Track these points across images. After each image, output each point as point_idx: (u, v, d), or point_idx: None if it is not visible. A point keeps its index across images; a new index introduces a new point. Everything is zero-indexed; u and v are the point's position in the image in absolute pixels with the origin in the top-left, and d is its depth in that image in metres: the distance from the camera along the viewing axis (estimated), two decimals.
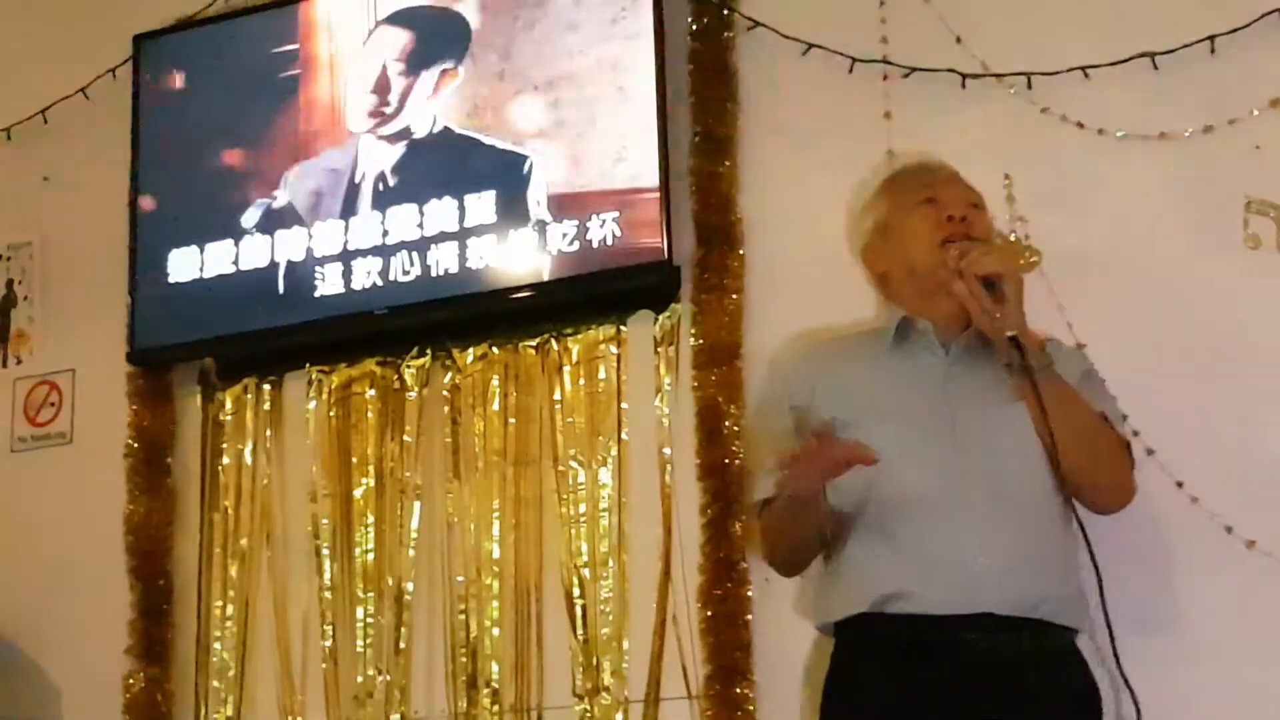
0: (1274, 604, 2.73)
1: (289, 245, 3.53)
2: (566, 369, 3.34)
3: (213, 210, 3.63)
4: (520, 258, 3.32)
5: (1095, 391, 2.48)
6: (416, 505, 3.41)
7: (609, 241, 3.24)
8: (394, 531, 3.42)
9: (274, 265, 3.54)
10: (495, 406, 3.38)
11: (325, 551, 3.46)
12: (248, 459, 3.60)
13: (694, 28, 3.31)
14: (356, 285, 3.45)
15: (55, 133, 3.92)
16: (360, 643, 3.39)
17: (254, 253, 3.56)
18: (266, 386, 3.62)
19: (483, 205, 3.36)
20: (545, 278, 3.30)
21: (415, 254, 3.40)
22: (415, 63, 3.51)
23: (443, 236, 3.38)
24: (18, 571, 3.70)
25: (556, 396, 3.33)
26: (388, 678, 3.35)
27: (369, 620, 3.40)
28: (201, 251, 3.62)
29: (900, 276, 2.54)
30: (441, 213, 3.39)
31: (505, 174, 3.35)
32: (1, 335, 3.93)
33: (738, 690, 3.01)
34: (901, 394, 2.42)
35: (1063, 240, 2.97)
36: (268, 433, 3.60)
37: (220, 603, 3.53)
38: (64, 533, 3.71)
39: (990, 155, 3.05)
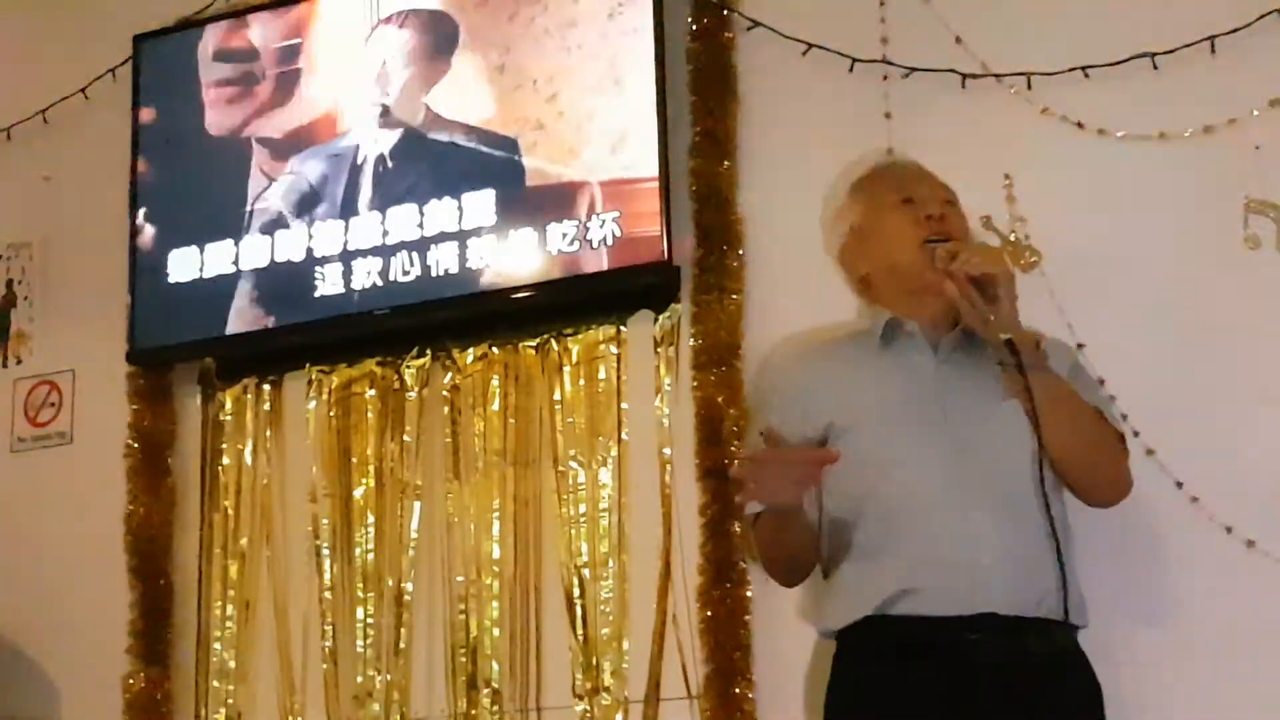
0: (1274, 604, 2.73)
1: (289, 245, 3.53)
2: (566, 369, 3.34)
3: (213, 210, 3.63)
4: (520, 258, 3.32)
5: (1084, 384, 2.49)
6: (416, 505, 3.41)
7: (609, 241, 3.24)
8: (394, 531, 3.42)
9: (274, 265, 3.54)
10: (495, 406, 3.38)
11: (325, 551, 3.46)
12: (248, 459, 3.60)
13: (694, 27, 3.31)
14: (356, 285, 3.45)
15: (55, 133, 3.92)
16: (360, 643, 3.39)
17: (254, 253, 3.56)
18: (266, 386, 3.62)
19: (483, 205, 3.36)
20: (545, 278, 3.30)
21: (415, 254, 3.40)
22: (412, 59, 3.51)
23: (443, 236, 3.39)
24: (18, 571, 3.70)
25: (556, 396, 3.33)
26: (388, 678, 3.35)
27: (369, 620, 3.40)
28: (201, 251, 3.62)
29: (883, 278, 2.54)
30: (441, 213, 3.39)
31: (501, 165, 3.35)
32: (1, 335, 3.93)
33: (738, 690, 3.01)
34: (894, 395, 2.41)
35: (1063, 240, 2.97)
36: (268, 433, 3.60)
37: (220, 603, 3.53)
38: (64, 533, 3.71)
39: (990, 155, 3.04)
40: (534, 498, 3.32)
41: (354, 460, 3.49)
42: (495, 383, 3.39)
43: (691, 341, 3.20)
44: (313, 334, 3.52)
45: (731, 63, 3.29)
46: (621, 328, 3.32)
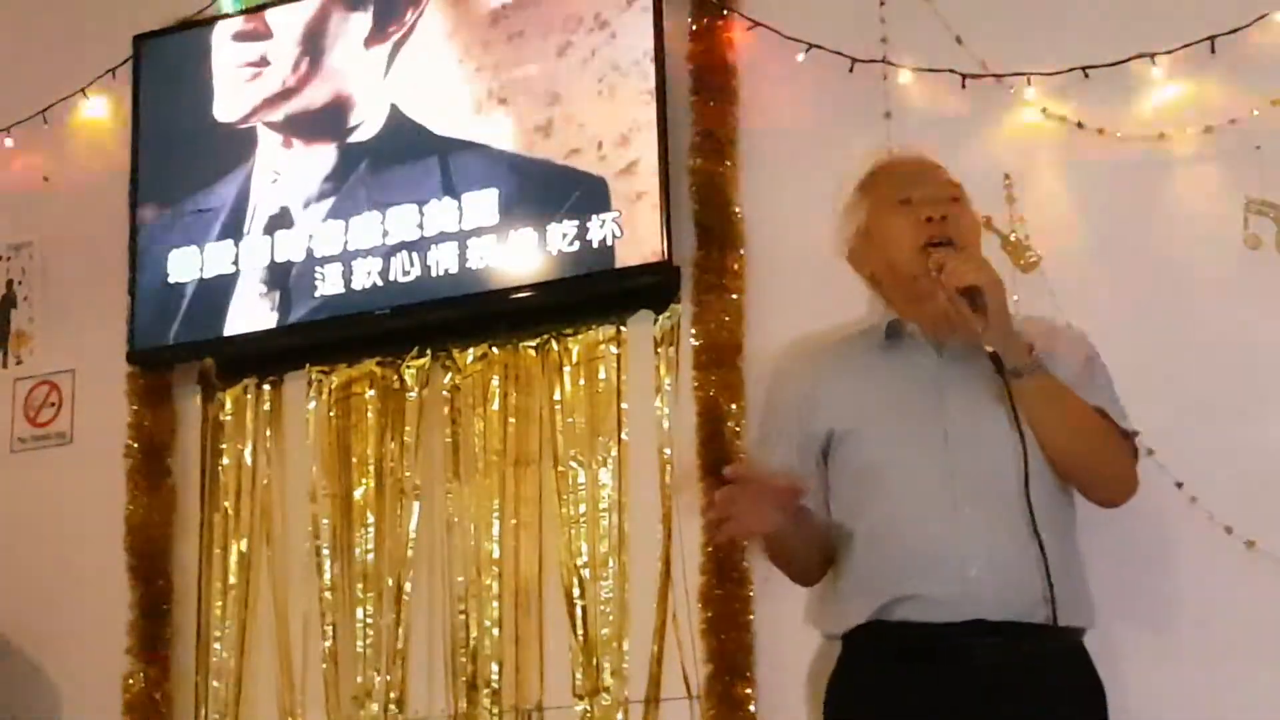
0: (1274, 604, 2.74)
1: (289, 245, 3.53)
2: (566, 369, 3.34)
3: (213, 210, 3.63)
4: (520, 258, 3.32)
5: (1095, 380, 2.43)
6: (416, 505, 3.41)
7: (609, 241, 3.24)
8: (394, 532, 3.42)
9: (274, 265, 3.54)
10: (495, 406, 3.38)
11: (325, 551, 3.46)
12: (248, 459, 3.60)
13: (694, 28, 3.31)
14: (356, 285, 3.45)
15: (55, 133, 3.92)
16: (360, 643, 3.39)
17: (254, 252, 3.56)
18: (266, 386, 3.62)
19: (483, 205, 3.36)
20: (545, 278, 3.30)
21: (415, 254, 3.41)
22: (417, 60, 3.52)
23: (443, 236, 3.39)
24: (18, 571, 3.70)
25: (556, 396, 3.33)
26: (387, 678, 3.35)
27: (369, 621, 3.40)
28: (201, 251, 3.62)
29: (886, 279, 2.53)
30: (442, 213, 3.39)
31: (503, 166, 3.36)
32: (1, 335, 3.93)
33: (738, 690, 3.01)
34: (896, 396, 2.40)
35: (1063, 240, 2.97)
36: (268, 433, 3.60)
37: (220, 603, 3.53)
38: (64, 533, 3.71)
39: (990, 155, 3.05)
40: (534, 498, 3.32)
41: (354, 460, 3.49)
42: (495, 383, 3.39)
43: (692, 341, 3.20)
44: (313, 334, 3.52)
45: (731, 63, 3.29)
46: (621, 328, 3.32)
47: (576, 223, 3.27)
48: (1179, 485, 2.80)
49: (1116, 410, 2.41)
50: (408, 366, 3.47)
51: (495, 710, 3.25)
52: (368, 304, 3.44)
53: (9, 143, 3.95)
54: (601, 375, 3.31)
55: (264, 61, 3.64)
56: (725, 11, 3.30)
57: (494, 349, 3.41)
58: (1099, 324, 2.88)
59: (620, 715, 3.16)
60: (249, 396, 3.62)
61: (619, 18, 3.31)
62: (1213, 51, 2.91)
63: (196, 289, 3.61)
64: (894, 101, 3.15)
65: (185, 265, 3.63)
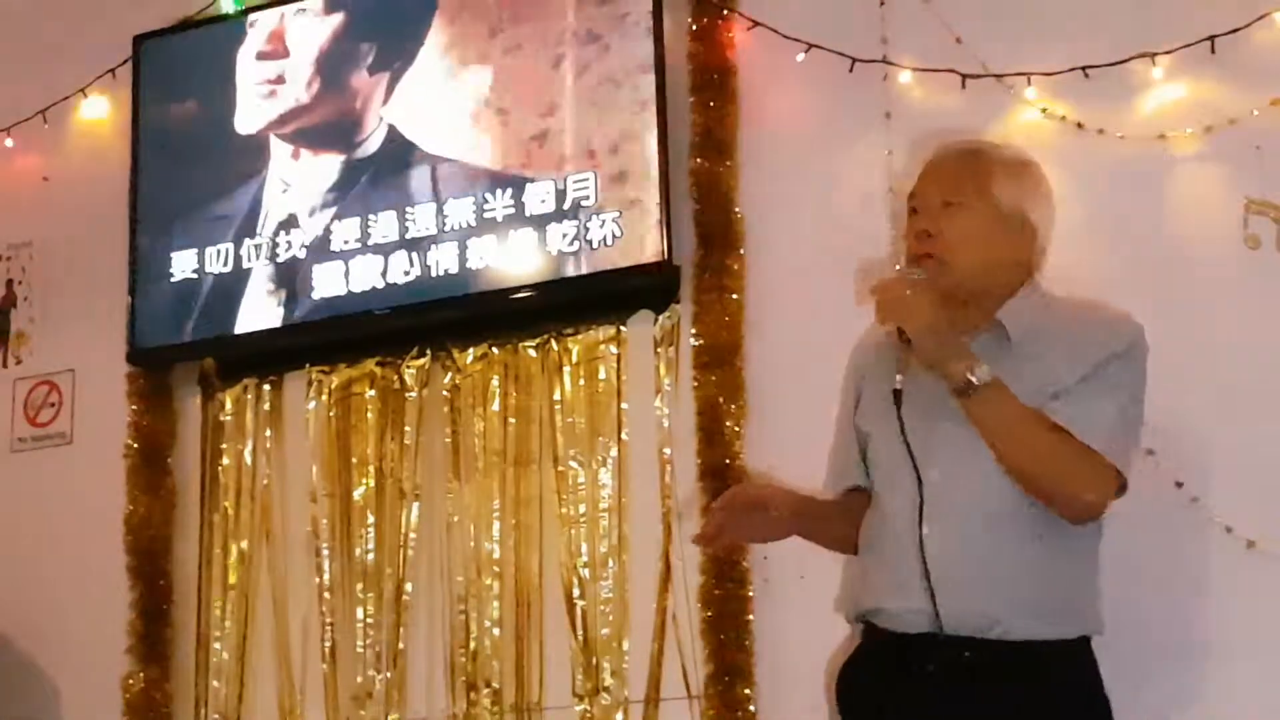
0: (1274, 604, 2.73)
1: (289, 245, 3.53)
2: (566, 369, 3.34)
3: (213, 210, 3.63)
4: (520, 258, 3.32)
5: (1097, 390, 2.28)
6: (416, 505, 3.41)
7: (609, 241, 3.24)
8: (394, 532, 3.42)
9: (274, 265, 3.54)
10: (495, 407, 3.38)
11: (325, 551, 3.46)
12: (248, 459, 3.60)
13: (694, 28, 3.31)
14: (356, 285, 3.45)
15: (55, 133, 3.92)
16: (360, 643, 3.39)
17: (254, 253, 3.56)
18: (266, 386, 3.62)
19: (483, 205, 3.36)
20: (545, 278, 3.30)
21: (415, 254, 3.40)
22: (420, 65, 3.52)
23: (443, 236, 3.39)
24: (18, 571, 3.70)
25: (556, 397, 3.33)
26: (387, 677, 3.35)
27: (369, 620, 3.40)
28: (201, 251, 3.62)
29: None
30: (442, 213, 3.39)
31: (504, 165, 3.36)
32: (1, 335, 3.93)
33: (738, 690, 3.01)
34: (885, 407, 2.39)
35: (1063, 240, 2.97)
36: (268, 433, 3.60)
37: (220, 603, 3.53)
38: (64, 533, 3.71)
39: None
40: (534, 498, 3.32)
41: (354, 460, 3.49)
42: (495, 383, 3.39)
43: (692, 341, 3.20)
44: (313, 334, 3.52)
45: (731, 63, 3.29)
46: (621, 328, 3.32)
47: (576, 223, 3.27)
48: (1179, 485, 2.80)
49: (1097, 427, 2.26)
50: (408, 366, 3.47)
51: (495, 710, 3.25)
52: (368, 304, 3.44)
53: (9, 143, 3.95)
54: (601, 375, 3.31)
55: (280, 80, 3.64)
56: (725, 11, 3.30)
57: (494, 349, 3.41)
58: None
59: (620, 715, 3.16)
60: (249, 396, 3.62)
61: (619, 18, 3.31)
62: (1213, 51, 2.91)
63: (196, 289, 3.60)
64: (894, 101, 3.15)
65: (185, 265, 3.63)
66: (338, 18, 3.60)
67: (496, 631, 3.28)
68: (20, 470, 3.83)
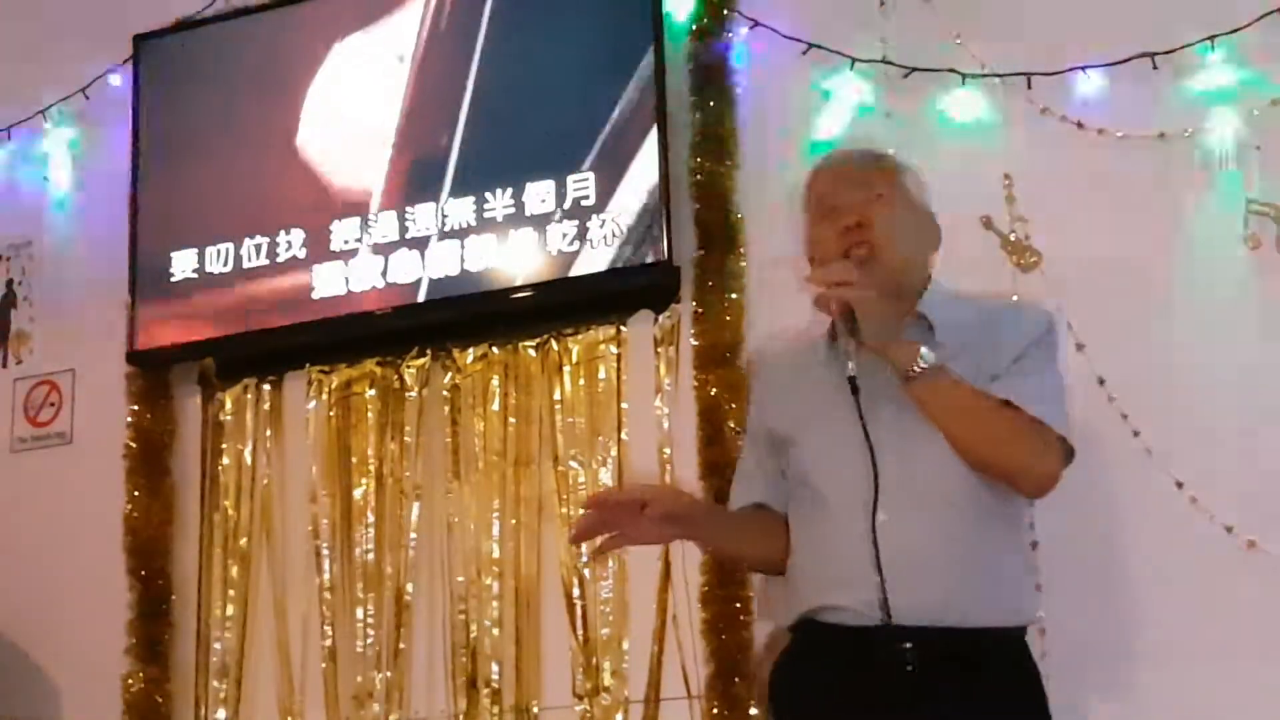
0: (1274, 604, 2.73)
1: (290, 245, 3.53)
2: (566, 369, 3.34)
3: (213, 210, 3.63)
4: (520, 258, 3.32)
5: (1030, 369, 2.33)
6: (416, 505, 3.41)
7: (609, 241, 3.24)
8: (394, 531, 3.42)
9: (274, 265, 3.54)
10: (495, 407, 3.38)
11: (325, 551, 3.46)
12: (248, 459, 3.60)
13: (694, 28, 3.31)
14: (356, 285, 3.45)
15: (55, 133, 3.92)
16: (360, 643, 3.39)
17: (254, 253, 3.56)
18: (266, 386, 3.62)
19: (484, 205, 3.36)
20: (545, 278, 3.30)
21: (415, 254, 3.41)
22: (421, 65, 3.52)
23: (443, 236, 3.39)
24: (18, 571, 3.71)
25: (556, 397, 3.33)
26: (388, 677, 3.35)
27: (369, 620, 3.39)
28: (201, 251, 3.62)
29: None
30: (444, 213, 3.39)
31: (504, 165, 3.36)
32: (1, 335, 3.93)
33: (738, 690, 3.01)
34: (826, 404, 2.39)
35: (1063, 240, 2.97)
36: (268, 433, 3.60)
37: (220, 603, 3.53)
38: (64, 533, 3.71)
39: (990, 155, 3.05)
40: (534, 498, 3.32)
41: (354, 460, 3.49)
42: (495, 383, 3.39)
43: (692, 341, 3.20)
44: (313, 334, 3.52)
45: (731, 63, 3.29)
46: (621, 328, 3.32)
47: (576, 223, 3.27)
48: (1179, 485, 2.80)
49: (1039, 400, 2.31)
50: (408, 366, 3.47)
51: (495, 710, 3.25)
52: (368, 304, 3.44)
53: (9, 143, 3.95)
54: (601, 375, 3.31)
55: (271, 74, 3.67)
56: (725, 11, 3.30)
57: (494, 349, 3.41)
58: (1099, 323, 2.90)
59: (620, 715, 3.16)
60: (249, 396, 3.62)
61: (618, 18, 3.31)
62: (1213, 51, 2.91)
63: (196, 289, 3.60)
64: (894, 101, 3.15)
65: (185, 265, 3.63)
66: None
67: (496, 631, 3.28)
68: (20, 470, 3.83)
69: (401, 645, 3.36)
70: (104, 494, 3.63)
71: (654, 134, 3.23)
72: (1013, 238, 3.01)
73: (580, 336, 3.34)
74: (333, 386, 3.54)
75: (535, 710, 3.23)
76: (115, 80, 3.86)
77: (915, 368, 2.26)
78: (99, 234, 3.80)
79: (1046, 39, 3.06)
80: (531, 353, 3.38)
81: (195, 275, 3.62)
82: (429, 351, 3.46)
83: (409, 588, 3.38)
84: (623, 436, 3.27)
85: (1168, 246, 2.92)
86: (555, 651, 3.23)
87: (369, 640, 3.39)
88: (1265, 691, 2.70)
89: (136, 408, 3.66)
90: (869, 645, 2.25)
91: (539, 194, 3.32)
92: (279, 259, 3.54)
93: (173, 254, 3.64)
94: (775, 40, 3.26)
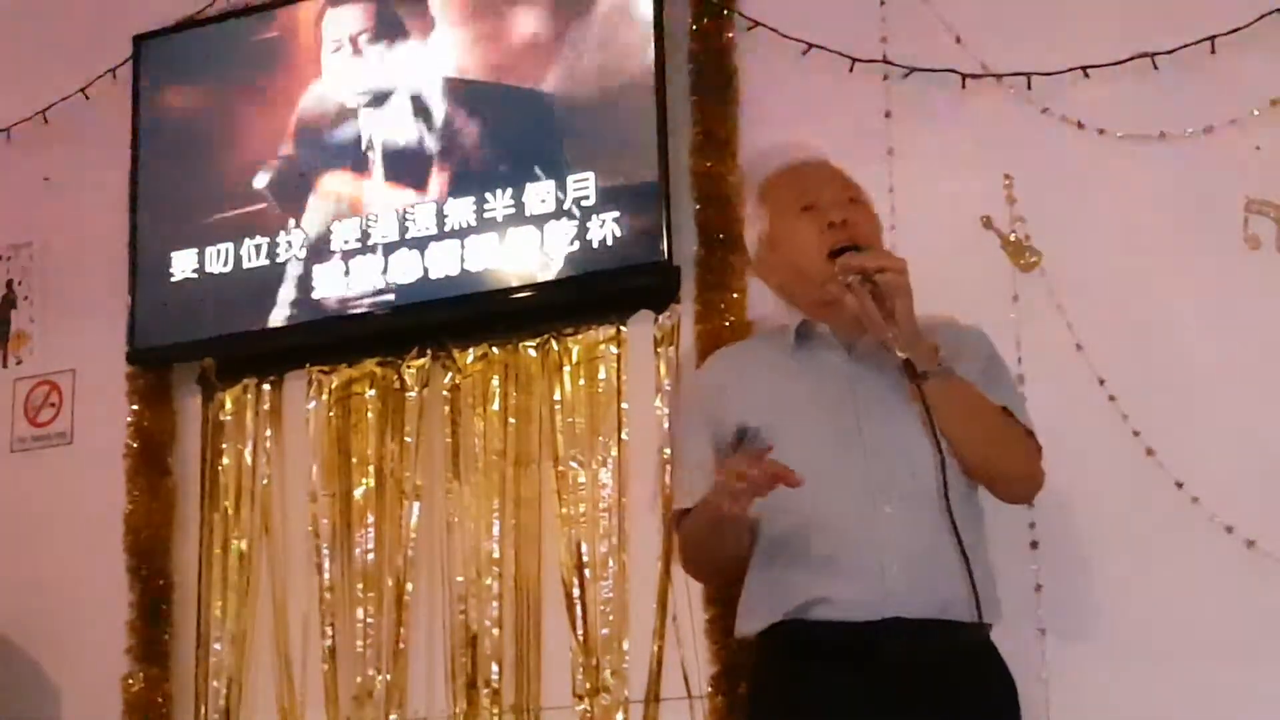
0: (1274, 604, 2.73)
1: (290, 245, 3.53)
2: (566, 369, 3.34)
3: (213, 210, 3.63)
4: (520, 258, 3.32)
5: (998, 379, 2.45)
6: (416, 505, 3.41)
7: (609, 241, 3.24)
8: (394, 531, 3.42)
9: (274, 265, 3.54)
10: (495, 407, 3.38)
11: (325, 551, 3.46)
12: (248, 459, 3.60)
13: (694, 28, 3.31)
14: (356, 285, 3.45)
15: (55, 133, 3.92)
16: (360, 643, 3.39)
17: (254, 253, 3.56)
18: (266, 386, 3.62)
19: (485, 205, 3.36)
20: (545, 278, 3.30)
21: (415, 254, 3.41)
22: (419, 62, 3.52)
23: (443, 236, 3.39)
24: (18, 571, 3.70)
25: (556, 397, 3.33)
26: (388, 677, 3.35)
27: (369, 620, 3.39)
28: (201, 251, 3.62)
29: (796, 285, 2.51)
30: (444, 212, 3.39)
31: (503, 165, 3.36)
32: (1, 335, 3.93)
33: (738, 690, 3.01)
34: (809, 395, 2.40)
35: (1063, 240, 2.97)
36: (268, 433, 3.60)
37: (220, 603, 3.53)
38: (64, 533, 3.71)
39: (990, 155, 3.05)
40: (534, 497, 3.32)
41: (354, 460, 3.49)
42: (495, 383, 3.39)
43: (693, 341, 3.20)
44: (313, 334, 3.52)
45: (731, 63, 3.29)
46: (621, 328, 3.32)
47: (576, 223, 3.27)
48: (1179, 485, 2.80)
49: (1018, 405, 2.43)
50: (408, 366, 3.47)
51: (495, 710, 3.25)
52: (368, 304, 3.44)
53: (9, 143, 3.95)
54: (601, 375, 3.31)
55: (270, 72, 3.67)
56: (725, 11, 3.30)
57: (494, 349, 3.41)
58: (1099, 324, 2.90)
59: (620, 715, 3.16)
60: (249, 396, 3.62)
61: (619, 18, 3.31)
62: (1213, 51, 2.91)
63: (196, 289, 3.60)
64: (894, 101, 3.15)
65: (185, 265, 3.62)
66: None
67: (496, 631, 3.28)
68: (20, 470, 3.82)
69: (401, 645, 3.36)
70: (104, 494, 3.62)
71: (654, 134, 3.23)
72: (1013, 238, 3.00)
73: (580, 336, 3.34)
74: (333, 386, 3.54)
75: (535, 710, 3.23)
76: (115, 80, 3.86)
77: (936, 365, 2.27)
78: (99, 234, 3.80)
79: (1046, 39, 3.06)
80: (531, 353, 3.38)
81: (195, 275, 3.61)
82: (429, 351, 3.46)
83: (409, 588, 3.38)
84: (623, 436, 3.27)
85: (1168, 246, 2.92)
86: (555, 651, 3.23)
87: (369, 640, 3.39)
88: (1265, 691, 2.70)
89: (136, 408, 3.66)
90: (868, 639, 2.25)
91: (539, 194, 3.32)
92: (279, 259, 3.54)
93: (173, 254, 3.64)
94: (775, 40, 3.26)
